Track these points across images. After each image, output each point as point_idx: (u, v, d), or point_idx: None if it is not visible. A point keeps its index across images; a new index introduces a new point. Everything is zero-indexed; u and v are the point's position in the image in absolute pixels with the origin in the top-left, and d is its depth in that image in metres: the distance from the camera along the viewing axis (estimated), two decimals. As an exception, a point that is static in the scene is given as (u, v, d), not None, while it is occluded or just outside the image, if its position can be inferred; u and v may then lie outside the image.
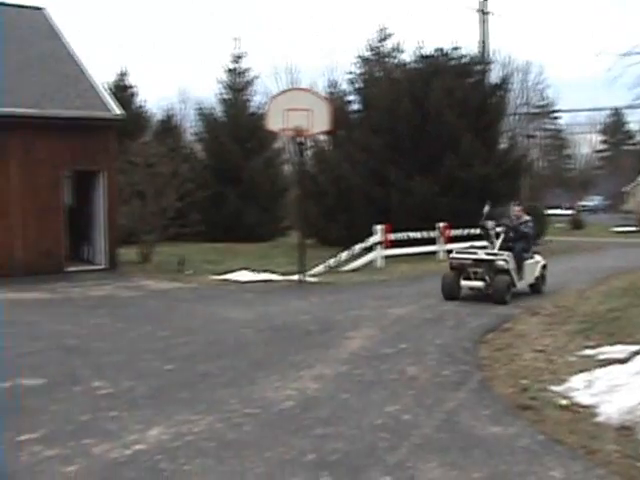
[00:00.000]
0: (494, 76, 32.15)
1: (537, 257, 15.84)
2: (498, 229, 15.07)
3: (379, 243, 21.14)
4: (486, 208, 15.16)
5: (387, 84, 28.11)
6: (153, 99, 74.14)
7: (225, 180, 32.97)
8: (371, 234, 21.14)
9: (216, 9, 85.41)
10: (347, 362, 9.10)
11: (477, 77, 29.08)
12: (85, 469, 5.58)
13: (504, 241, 14.88)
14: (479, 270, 14.32)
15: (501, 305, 13.58)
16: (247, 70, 36.37)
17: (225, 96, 36.32)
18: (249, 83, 36.53)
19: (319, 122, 17.32)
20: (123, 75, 36.76)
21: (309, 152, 30.60)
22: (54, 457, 5.82)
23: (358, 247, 20.85)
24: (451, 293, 14.45)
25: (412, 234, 22.33)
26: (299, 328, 11.50)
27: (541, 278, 15.72)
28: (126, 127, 23.33)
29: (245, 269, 19.14)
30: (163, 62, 77.18)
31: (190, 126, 43.57)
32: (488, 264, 14.26)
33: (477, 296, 14.40)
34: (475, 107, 27.25)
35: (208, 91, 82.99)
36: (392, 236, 21.60)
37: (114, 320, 12.31)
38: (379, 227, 21.18)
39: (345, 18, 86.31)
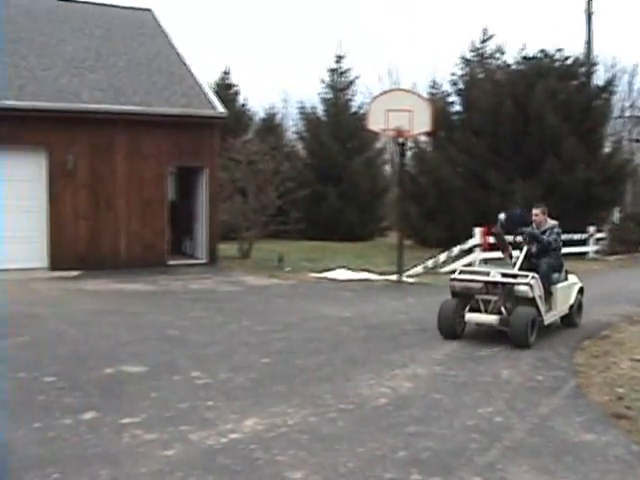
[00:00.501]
0: (599, 78, 31.48)
1: (571, 277, 12.11)
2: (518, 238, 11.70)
3: (478, 245, 20.96)
4: (502, 215, 11.77)
5: (489, 86, 27.81)
6: (255, 98, 74.81)
7: (326, 179, 33.20)
8: (471, 236, 20.99)
9: (319, 9, 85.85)
10: (441, 363, 9.12)
11: (581, 79, 28.50)
12: (183, 454, 5.79)
13: (526, 257, 11.10)
14: (493, 298, 10.52)
15: (522, 348, 9.97)
16: (348, 70, 36.51)
17: (326, 96, 36.56)
18: (351, 83, 36.65)
19: (420, 123, 17.29)
20: (226, 74, 37.40)
21: (410, 153, 30.56)
22: (154, 441, 6.06)
23: (457, 249, 20.71)
24: (451, 330, 10.63)
25: (510, 237, 21.95)
26: (395, 327, 11.56)
27: (577, 306, 11.96)
28: (229, 125, 23.78)
29: (343, 267, 19.29)
30: (266, 61, 77.83)
31: (292, 125, 43.95)
32: (505, 289, 10.44)
33: (490, 333, 10.92)
34: (579, 110, 26.72)
35: (310, 90, 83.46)
36: (491, 239, 21.34)
37: (213, 313, 12.61)
38: (478, 229, 21.00)
39: (448, 19, 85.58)
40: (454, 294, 10.86)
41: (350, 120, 35.02)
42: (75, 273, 17.52)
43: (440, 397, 7.53)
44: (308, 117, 36.64)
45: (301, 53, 78.10)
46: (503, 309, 10.42)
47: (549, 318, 10.99)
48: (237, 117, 32.78)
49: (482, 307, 10.58)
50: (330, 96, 36.38)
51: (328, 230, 31.66)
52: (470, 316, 10.63)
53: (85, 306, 13.23)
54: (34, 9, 22.70)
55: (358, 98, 38.19)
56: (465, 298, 10.72)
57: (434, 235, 26.91)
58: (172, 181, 21.92)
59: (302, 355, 9.42)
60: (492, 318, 10.42)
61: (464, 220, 24.43)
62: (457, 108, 30.46)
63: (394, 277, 17.66)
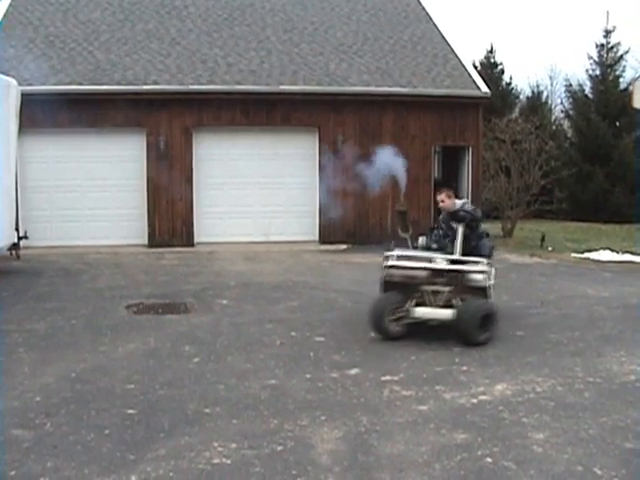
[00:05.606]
0: None
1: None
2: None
3: None
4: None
5: None
6: (521, 75, 73.42)
7: (592, 158, 32.26)
8: None
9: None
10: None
11: None
12: (435, 409, 6.39)
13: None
14: (442, 289, 9.02)
15: (472, 346, 8.60)
16: (617, 45, 34.93)
17: (594, 73, 35.25)
18: (620, 58, 35.00)
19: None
20: (491, 52, 37.39)
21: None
22: (410, 397, 6.72)
23: None
24: (381, 326, 8.92)
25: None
26: (654, 309, 11.46)
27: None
28: (493, 104, 23.95)
29: (607, 249, 18.97)
30: (532, 36, 75.96)
31: (559, 103, 43.04)
32: (456, 278, 9.06)
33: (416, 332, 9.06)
34: None
35: (577, 67, 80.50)
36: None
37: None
38: None
39: None
40: (387, 285, 9.36)
41: (619, 97, 33.67)
42: (343, 247, 18.66)
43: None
44: (573, 95, 35.69)
45: (568, 26, 75.59)
46: (454, 301, 8.94)
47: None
48: (502, 96, 32.81)
49: (430, 300, 9.03)
50: (597, 73, 35.07)
51: (593, 211, 30.83)
52: (419, 311, 8.96)
53: (351, 276, 14.21)
54: (305, -1, 24.15)
55: (628, 73, 36.31)
56: (407, 289, 9.13)
57: None
58: (437, 160, 22.50)
59: (556, 330, 9.68)
60: (444, 313, 8.88)
61: None
62: None
63: (662, 261, 17.19)
